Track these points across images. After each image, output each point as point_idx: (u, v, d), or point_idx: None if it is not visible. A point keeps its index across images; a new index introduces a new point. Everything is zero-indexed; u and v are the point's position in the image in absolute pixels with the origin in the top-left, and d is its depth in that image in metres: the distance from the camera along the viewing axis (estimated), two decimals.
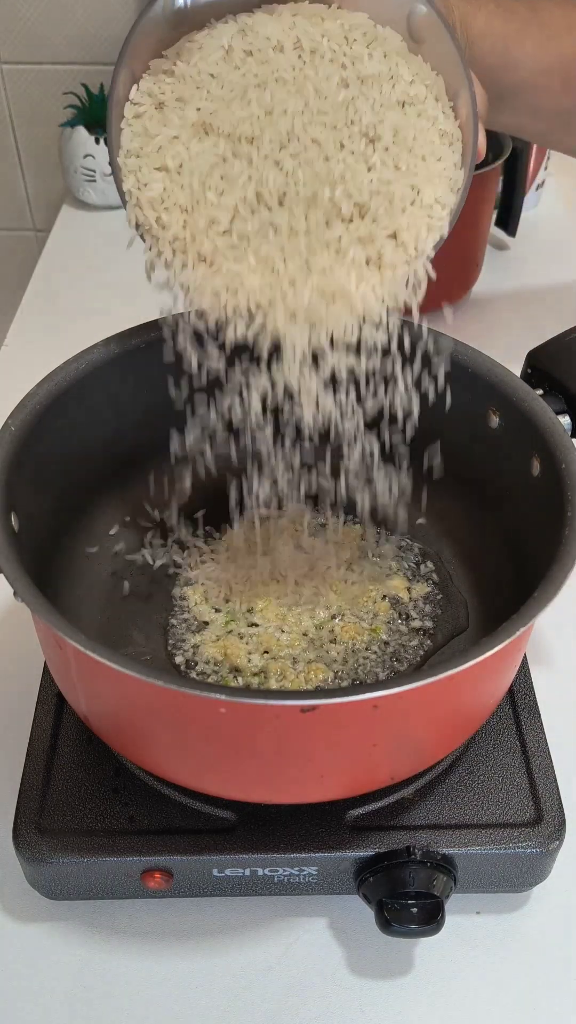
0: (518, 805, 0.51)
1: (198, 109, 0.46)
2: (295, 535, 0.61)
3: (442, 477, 0.61)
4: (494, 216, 0.99)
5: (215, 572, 0.60)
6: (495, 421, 0.54)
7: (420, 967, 0.50)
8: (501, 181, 0.95)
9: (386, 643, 0.57)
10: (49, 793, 0.51)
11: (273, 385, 0.48)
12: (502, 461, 0.54)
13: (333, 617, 0.57)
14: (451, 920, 0.48)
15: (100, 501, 0.61)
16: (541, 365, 0.56)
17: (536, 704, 0.55)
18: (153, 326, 0.55)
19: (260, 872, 0.49)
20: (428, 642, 0.57)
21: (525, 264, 1.02)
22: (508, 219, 0.99)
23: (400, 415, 0.50)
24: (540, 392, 0.53)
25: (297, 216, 0.44)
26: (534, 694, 0.55)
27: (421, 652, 0.57)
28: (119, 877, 0.49)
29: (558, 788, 0.51)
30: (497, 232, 1.01)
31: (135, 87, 0.47)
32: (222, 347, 0.47)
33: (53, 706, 0.54)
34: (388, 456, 0.54)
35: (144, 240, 0.47)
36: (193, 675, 0.55)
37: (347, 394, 0.48)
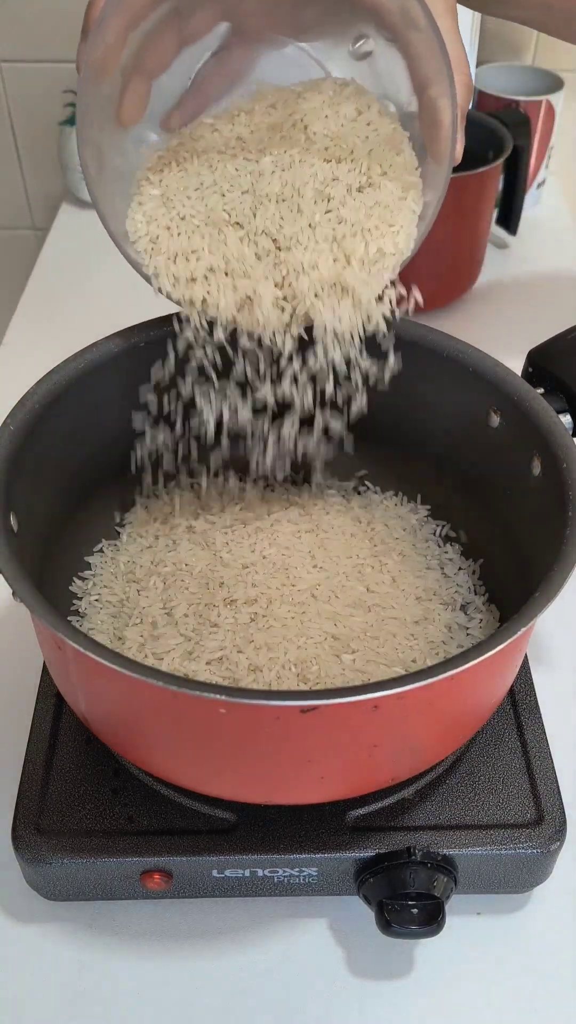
0: (519, 806, 0.50)
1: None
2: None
3: (443, 477, 0.61)
4: (495, 214, 0.98)
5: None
6: (496, 420, 0.54)
7: (420, 968, 0.50)
8: (502, 179, 0.95)
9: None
10: (48, 794, 0.51)
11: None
12: (503, 460, 0.54)
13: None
14: (452, 921, 0.48)
15: (100, 500, 0.61)
16: (542, 364, 0.56)
17: (537, 704, 0.55)
18: (153, 324, 0.55)
19: (260, 873, 0.49)
20: None
21: (526, 262, 1.02)
22: (509, 217, 0.99)
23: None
24: (541, 391, 0.52)
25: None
26: (535, 694, 0.55)
27: None
28: (118, 878, 0.49)
29: (559, 789, 0.51)
30: (498, 230, 1.01)
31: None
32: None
33: (52, 706, 0.54)
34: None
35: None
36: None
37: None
